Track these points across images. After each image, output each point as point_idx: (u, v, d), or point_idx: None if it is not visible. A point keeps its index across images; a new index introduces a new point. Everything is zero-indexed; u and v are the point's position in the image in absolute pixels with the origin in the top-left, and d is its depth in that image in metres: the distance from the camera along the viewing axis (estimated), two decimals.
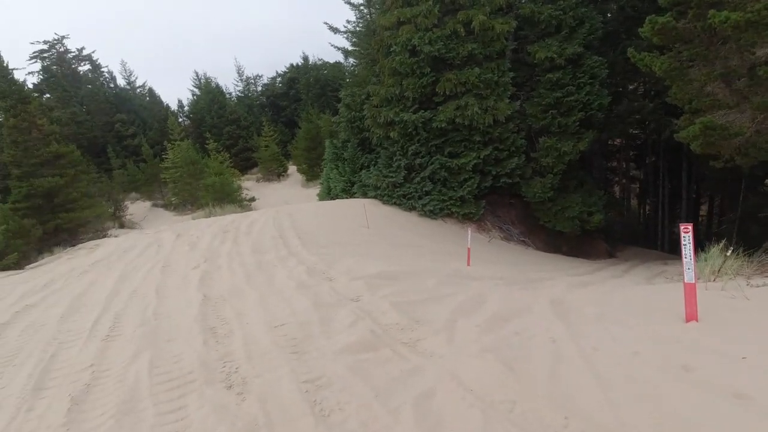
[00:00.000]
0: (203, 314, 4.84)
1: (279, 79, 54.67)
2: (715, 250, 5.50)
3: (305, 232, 10.00)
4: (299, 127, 36.94)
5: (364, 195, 14.46)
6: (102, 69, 43.89)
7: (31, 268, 10.03)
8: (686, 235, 3.38)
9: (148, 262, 8.08)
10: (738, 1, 6.95)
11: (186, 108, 47.32)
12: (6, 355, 4.41)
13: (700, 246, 6.05)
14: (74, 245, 12.61)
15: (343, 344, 3.64)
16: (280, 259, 7.53)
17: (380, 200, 13.76)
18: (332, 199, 16.71)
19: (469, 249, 8.24)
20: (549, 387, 2.68)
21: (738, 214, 16.52)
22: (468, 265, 7.77)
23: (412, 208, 13.19)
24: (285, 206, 15.57)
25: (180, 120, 43.48)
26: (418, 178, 12.98)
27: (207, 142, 33.29)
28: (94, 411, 3.13)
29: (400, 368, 3.18)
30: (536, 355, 3.21)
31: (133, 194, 30.98)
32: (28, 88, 29.48)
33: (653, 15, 8.24)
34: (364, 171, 15.08)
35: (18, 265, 10.64)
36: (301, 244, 8.78)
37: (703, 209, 22.69)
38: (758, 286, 4.27)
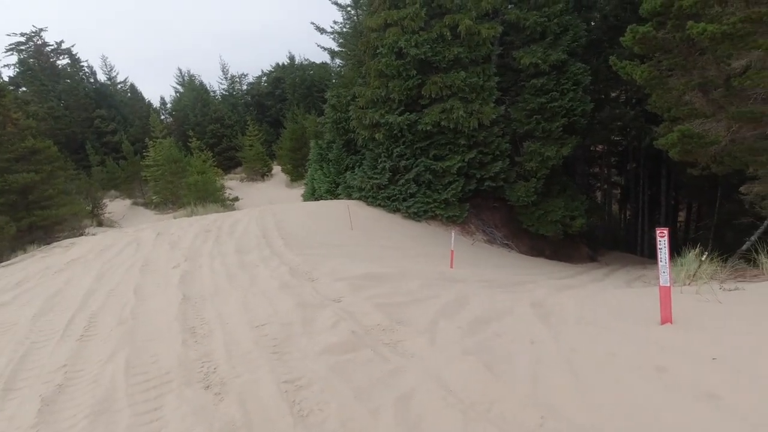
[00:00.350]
0: (183, 314, 4.77)
1: (264, 78, 54.26)
2: (691, 255, 5.64)
3: (289, 233, 9.93)
4: (284, 127, 36.75)
5: (349, 196, 14.44)
6: (81, 63, 42.79)
7: (4, 266, 9.74)
8: (662, 239, 3.46)
9: (126, 261, 7.93)
10: (715, 14, 7.16)
11: (169, 105, 46.70)
12: None
13: (677, 251, 6.20)
14: (49, 243, 12.29)
15: (324, 345, 3.62)
16: (263, 260, 7.46)
17: (365, 202, 13.75)
18: (316, 199, 16.64)
19: (452, 251, 8.29)
20: (528, 387, 2.71)
21: (714, 220, 16.99)
22: (452, 267, 7.81)
23: (396, 210, 13.22)
24: (269, 206, 15.44)
25: (162, 117, 42.86)
26: (402, 180, 13.02)
27: (190, 140, 32.87)
28: (67, 412, 3.05)
29: (382, 369, 3.17)
30: (516, 356, 3.24)
31: (113, 192, 30.37)
32: (3, 81, 28.64)
33: (634, 24, 8.43)
34: (348, 172, 15.06)
35: None
36: (284, 245, 8.72)
37: (682, 215, 23.28)
38: (730, 290, 4.38)
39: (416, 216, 13.04)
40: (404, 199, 13.06)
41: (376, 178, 13.36)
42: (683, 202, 22.70)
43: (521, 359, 3.16)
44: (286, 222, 11.15)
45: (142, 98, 45.70)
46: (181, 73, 47.44)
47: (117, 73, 46.49)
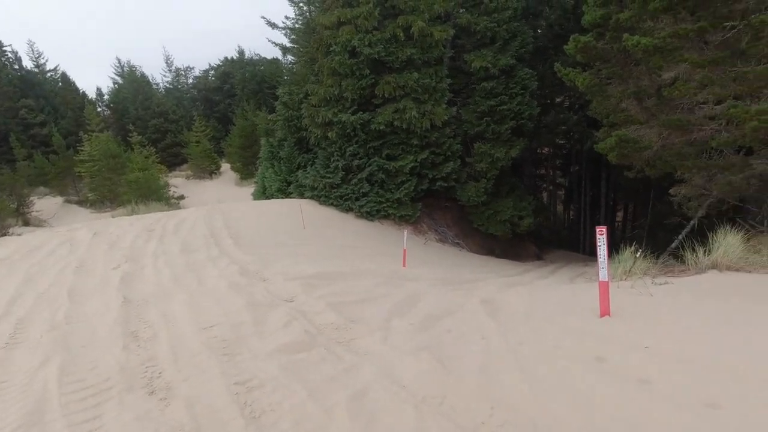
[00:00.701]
0: (124, 317, 4.51)
1: (212, 72, 52.43)
2: (627, 253, 6.02)
3: (239, 232, 9.66)
4: (234, 124, 35.68)
5: (301, 195, 14.24)
6: (4, 48, 39.13)
7: None
8: (601, 237, 3.68)
9: (59, 263, 7.38)
10: (648, 28, 7.69)
11: (106, 97, 43.87)
12: None
13: (615, 249, 6.61)
14: None
15: (276, 345, 3.55)
16: (211, 259, 7.21)
17: (317, 201, 13.62)
18: (267, 198, 16.28)
19: (405, 250, 8.38)
20: (478, 380, 2.79)
21: (648, 220, 18.25)
22: (404, 266, 7.90)
23: (349, 210, 13.18)
24: (218, 205, 14.94)
25: (99, 110, 40.22)
26: (355, 180, 13.00)
27: (130, 134, 31.15)
28: None
29: (335, 367, 3.16)
30: (467, 351, 3.33)
31: (42, 189, 28.15)
32: None
33: (577, 34, 8.88)
34: (300, 171, 14.85)
35: None
36: (234, 244, 8.47)
37: (620, 215, 24.81)
38: (661, 285, 4.73)
39: (369, 215, 13.06)
40: (357, 199, 13.05)
41: (329, 177, 13.26)
42: (621, 203, 24.21)
43: (472, 354, 3.25)
44: (235, 221, 10.83)
45: (76, 89, 42.33)
46: (120, 63, 44.61)
47: (46, 60, 42.86)
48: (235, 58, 50.26)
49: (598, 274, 3.69)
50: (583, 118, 15.98)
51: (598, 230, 3.69)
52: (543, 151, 22.75)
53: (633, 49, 7.16)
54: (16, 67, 39.38)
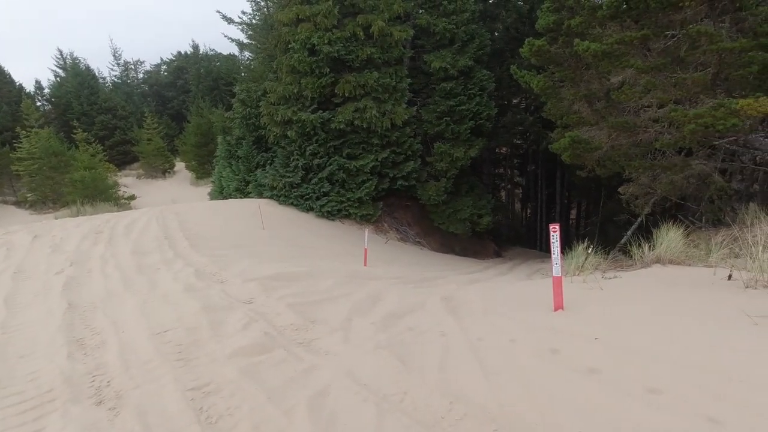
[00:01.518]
0: (68, 324, 4.26)
1: (164, 67, 50.53)
2: (579, 249, 6.28)
3: (195, 233, 9.34)
4: (188, 121, 34.49)
5: (260, 195, 13.95)
6: None
7: None
8: (554, 234, 3.81)
9: None
10: (597, 34, 8.05)
11: (47, 91, 41.16)
12: None
13: (569, 245, 6.88)
14: None
15: (234, 348, 3.46)
16: (165, 262, 6.94)
17: (276, 201, 13.39)
18: (225, 198, 15.84)
19: (366, 250, 8.38)
20: (438, 376, 2.82)
21: (599, 217, 19.13)
22: (365, 265, 7.90)
23: (309, 209, 13.05)
24: (172, 205, 14.40)
25: (39, 104, 37.78)
26: (315, 179, 12.88)
27: (74, 131, 29.46)
28: None
29: (295, 368, 3.11)
30: (427, 348, 3.37)
31: None
32: None
33: (531, 38, 9.18)
34: (259, 170, 14.55)
35: None
36: (190, 246, 8.18)
37: (574, 213, 25.88)
38: (610, 279, 4.96)
39: (330, 215, 12.98)
40: (317, 198, 12.94)
41: (289, 177, 13.07)
42: (575, 201, 25.26)
43: (432, 350, 3.29)
44: (191, 222, 10.47)
45: (12, 81, 39.33)
46: (61, 54, 41.83)
47: None
48: (189, 53, 48.57)
49: (551, 270, 3.83)
50: (539, 119, 16.55)
51: (551, 227, 3.83)
52: (501, 151, 23.40)
53: (583, 53, 7.47)
54: None
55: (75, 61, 41.38)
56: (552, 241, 3.82)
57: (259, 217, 11.09)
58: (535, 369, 2.73)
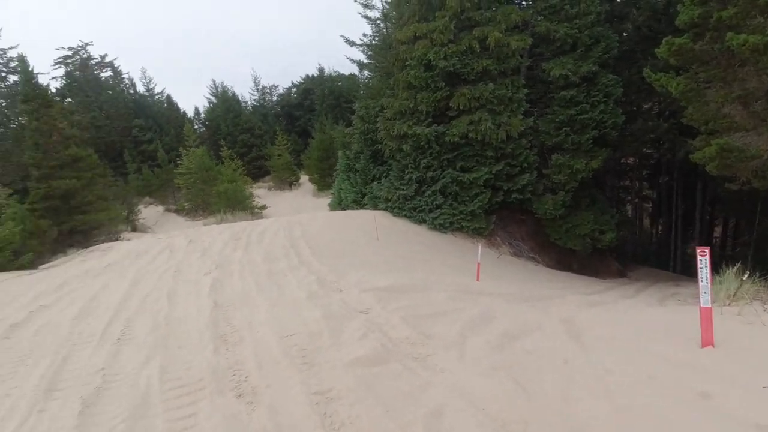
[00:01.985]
0: (214, 321, 4.87)
1: (294, 89, 55.39)
2: (729, 274, 5.42)
3: (316, 242, 10.03)
4: (312, 138, 37.35)
5: (375, 206, 14.49)
6: (123, 75, 44.73)
7: (45, 268, 10.17)
8: (703, 258, 3.35)
9: (160, 268, 8.16)
10: (757, 24, 6.94)
11: (202, 115, 48.13)
12: (19, 355, 4.47)
13: (714, 269, 5.97)
14: (87, 247, 12.76)
15: (353, 357, 3.63)
16: (291, 269, 7.56)
17: (390, 212, 13.78)
18: (343, 209, 16.76)
19: (478, 264, 8.21)
20: (561, 408, 2.65)
21: (754, 237, 16.27)
22: (477, 280, 7.73)
23: (422, 221, 13.19)
24: (296, 215, 15.66)
25: (196, 127, 44.16)
26: (429, 192, 12.99)
27: (221, 149, 33.77)
28: (105, 415, 3.15)
29: (411, 383, 3.16)
30: (549, 375, 3.18)
31: (147, 198, 31.39)
32: (51, 92, 30.08)
33: (670, 36, 8.25)
34: (375, 183, 15.14)
35: (32, 265, 10.80)
36: (311, 254, 8.81)
37: (717, 231, 22.40)
38: None
39: (442, 228, 12.97)
40: (430, 211, 13.03)
41: (403, 189, 13.39)
42: (719, 217, 21.85)
43: (553, 378, 3.10)
44: (313, 231, 11.27)
45: (178, 108, 47.31)
46: (215, 84, 48.86)
47: (155, 85, 48.39)
48: (315, 75, 52.78)
49: (699, 299, 3.36)
50: (675, 125, 14.68)
51: (699, 251, 3.37)
52: (628, 161, 21.20)
53: (739, 48, 6.50)
54: (132, 91, 44.84)
55: (224, 90, 47.82)
56: (700, 266, 3.36)
57: (374, 228, 11.53)
58: (680, 414, 2.41)
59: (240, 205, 24.00)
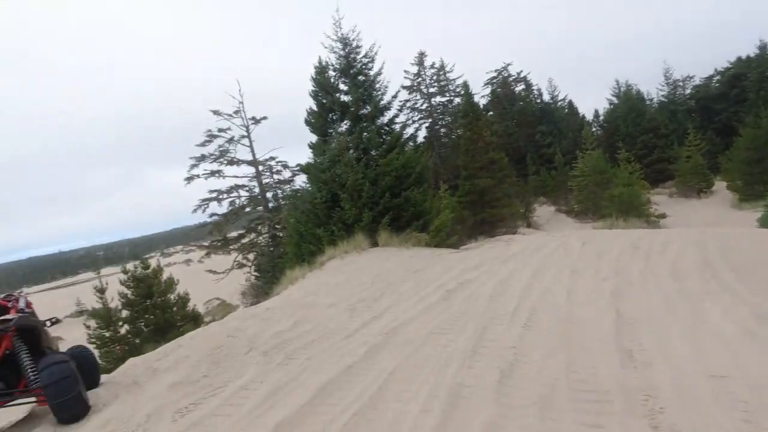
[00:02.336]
0: (617, 332, 4.59)
1: (717, 78, 45.60)
2: None
3: (742, 265, 7.83)
4: (738, 135, 29.74)
5: None
6: (532, 87, 49.76)
7: (465, 249, 12.56)
8: None
9: (556, 264, 8.48)
10: None
11: (601, 117, 47.04)
12: (454, 315, 5.66)
13: None
14: (492, 236, 14.93)
15: None
16: (707, 293, 6.22)
17: None
18: None
19: None
20: None
21: None
22: None
23: None
24: (709, 229, 12.90)
25: (594, 130, 43.72)
26: None
27: (618, 151, 31.95)
28: (520, 391, 3.50)
29: None
30: None
31: (542, 198, 33.76)
32: (480, 107, 37.04)
33: None
34: None
35: (455, 245, 13.63)
36: (736, 280, 6.95)
37: None
38: None
39: None
40: None
41: None
42: None
43: None
44: (735, 251, 8.89)
45: (577, 113, 48.33)
46: (617, 84, 46.63)
47: (558, 93, 50.90)
48: (750, 56, 41.49)
49: None
50: None
51: None
52: None
53: None
54: (539, 101, 49.42)
55: (628, 88, 45.09)
56: None
57: None
58: None
59: (634, 212, 22.08)
